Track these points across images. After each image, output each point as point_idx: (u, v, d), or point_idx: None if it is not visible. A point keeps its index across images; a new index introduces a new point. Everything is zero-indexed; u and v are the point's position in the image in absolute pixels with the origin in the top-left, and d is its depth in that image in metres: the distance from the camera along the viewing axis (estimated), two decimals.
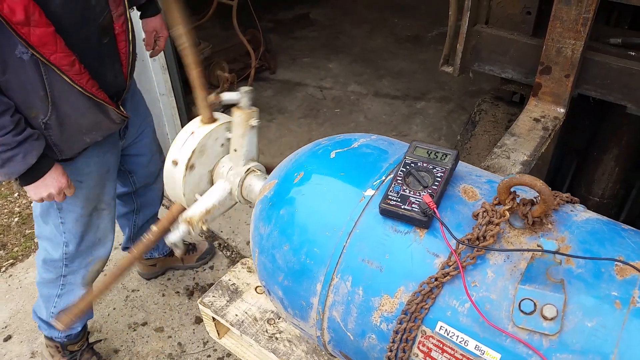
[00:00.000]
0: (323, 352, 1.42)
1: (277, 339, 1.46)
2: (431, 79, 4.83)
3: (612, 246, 0.97)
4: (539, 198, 0.97)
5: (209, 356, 2.53)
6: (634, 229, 1.04)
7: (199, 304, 1.57)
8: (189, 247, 2.90)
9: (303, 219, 1.15)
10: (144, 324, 2.69)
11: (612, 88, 1.81)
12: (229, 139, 1.55)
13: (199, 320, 2.68)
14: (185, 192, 1.48)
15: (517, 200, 0.99)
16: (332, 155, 1.23)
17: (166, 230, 1.50)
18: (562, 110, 1.91)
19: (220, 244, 3.11)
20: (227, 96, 1.53)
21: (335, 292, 1.10)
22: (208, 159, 1.52)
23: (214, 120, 1.52)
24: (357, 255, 1.08)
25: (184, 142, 1.46)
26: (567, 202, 1.08)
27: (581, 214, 1.05)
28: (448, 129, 4.20)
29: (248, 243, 3.07)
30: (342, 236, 1.09)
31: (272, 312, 1.53)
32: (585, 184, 2.55)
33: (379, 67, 5.08)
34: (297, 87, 4.74)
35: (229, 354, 2.53)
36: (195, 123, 1.53)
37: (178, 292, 2.84)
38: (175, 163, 1.45)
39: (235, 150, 1.53)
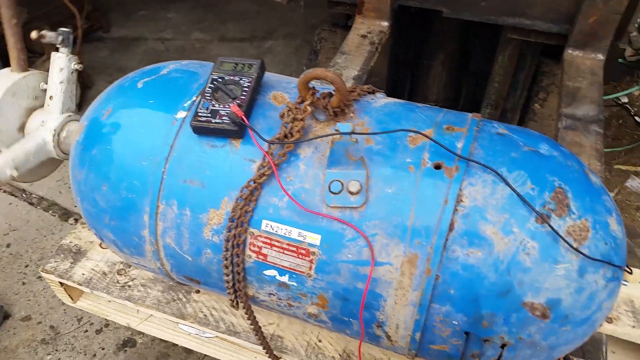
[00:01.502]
0: (179, 288, 1.43)
1: (130, 286, 1.44)
2: (275, 17, 4.79)
3: (406, 121, 1.06)
4: (335, 89, 1.03)
5: (86, 331, 2.42)
6: (428, 105, 1.15)
7: (41, 273, 1.48)
8: None
9: (117, 155, 1.11)
10: (6, 317, 2.47)
11: None
12: (44, 91, 1.44)
13: None
14: None
15: (318, 95, 1.05)
16: (140, 85, 1.18)
17: None
18: (386, 23, 2.02)
19: (77, 219, 2.91)
20: (48, 35, 1.39)
21: (163, 219, 1.09)
22: (18, 111, 1.39)
23: (26, 69, 1.40)
24: (178, 178, 1.07)
25: None
26: (369, 92, 1.16)
27: (380, 101, 1.13)
28: (298, 64, 4.24)
29: None
30: (160, 162, 1.08)
31: (122, 262, 1.49)
32: (421, 92, 2.77)
33: (221, 11, 4.90)
34: (136, 42, 4.43)
35: (107, 324, 2.44)
36: (4, 72, 1.39)
37: (40, 277, 2.63)
38: None
39: (50, 98, 1.42)
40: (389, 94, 1.19)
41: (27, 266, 2.70)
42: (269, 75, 1.18)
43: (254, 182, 1.01)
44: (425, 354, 1.08)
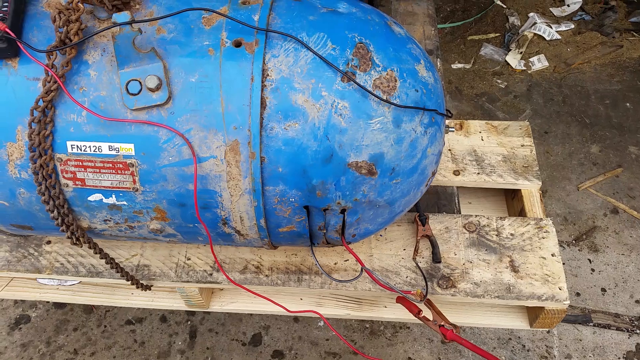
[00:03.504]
0: (28, 243, 1.31)
1: None
2: None
3: (199, 3, 0.98)
4: None
5: None
6: None
7: None
8: None
9: None
10: None
11: None
12: None
13: None
14: None
15: None
16: None
17: None
18: None
19: None
20: None
21: None
22: None
23: None
24: None
25: None
26: None
27: None
28: None
29: None
30: None
31: None
32: None
33: None
34: None
35: None
36: None
37: None
38: None
39: None
40: None
41: None
42: None
43: (43, 101, 0.90)
44: (278, 240, 1.08)
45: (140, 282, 1.22)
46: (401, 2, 1.60)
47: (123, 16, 0.86)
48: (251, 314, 2.02)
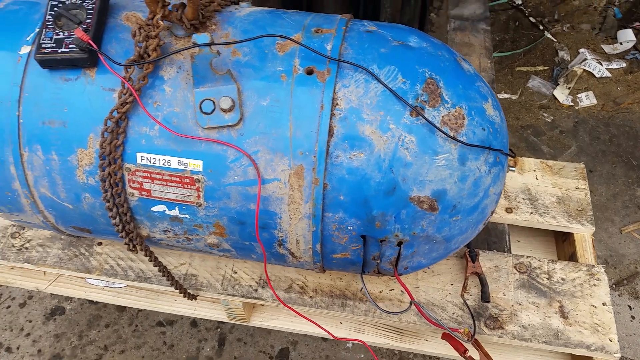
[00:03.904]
0: (80, 243, 1.35)
1: (27, 248, 1.34)
2: None
3: (273, 28, 1.00)
4: None
5: (9, 306, 2.30)
6: (297, 11, 1.09)
7: None
8: None
9: None
10: None
11: None
12: None
13: None
14: None
15: (169, 8, 0.96)
16: None
17: None
18: None
19: None
20: None
21: (31, 167, 1.00)
22: None
23: None
24: (36, 120, 0.97)
25: None
26: (233, 3, 1.08)
27: (245, 10, 1.06)
28: None
29: None
30: (12, 106, 0.97)
31: (14, 225, 1.39)
32: (318, 10, 2.65)
33: None
34: None
35: (30, 296, 2.33)
36: None
37: None
38: None
39: None
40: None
41: None
42: None
43: (118, 112, 0.93)
44: (330, 265, 1.09)
45: (188, 291, 1.24)
46: (458, 33, 1.60)
47: (203, 37, 0.89)
48: None
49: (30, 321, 2.26)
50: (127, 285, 1.36)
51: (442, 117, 0.92)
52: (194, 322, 2.12)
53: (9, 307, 2.31)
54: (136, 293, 1.41)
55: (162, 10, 0.93)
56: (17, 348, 2.18)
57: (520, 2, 3.23)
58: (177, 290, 1.21)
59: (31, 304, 2.31)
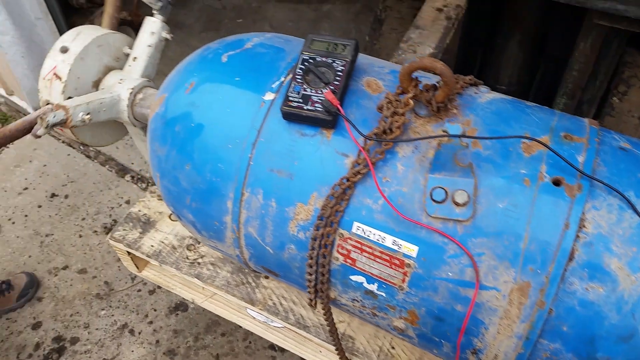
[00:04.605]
0: (248, 271, 1.38)
1: (199, 264, 1.40)
2: None
3: (517, 124, 0.95)
4: (441, 82, 0.92)
5: (139, 290, 2.46)
6: (538, 105, 1.03)
7: (109, 241, 1.46)
8: (3, 287, 2.38)
9: (201, 134, 1.05)
10: (65, 267, 2.54)
11: None
12: (127, 55, 1.43)
13: None
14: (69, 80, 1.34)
15: (420, 87, 0.94)
16: (224, 59, 1.11)
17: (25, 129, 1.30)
18: None
19: (133, 177, 2.93)
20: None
21: (247, 207, 1.03)
22: (98, 64, 1.39)
23: (115, 28, 1.44)
24: (264, 166, 1.00)
25: (79, 33, 1.36)
26: (471, 84, 1.05)
27: (485, 96, 1.02)
28: (357, 31, 4.06)
29: None
30: (247, 147, 1.01)
31: (191, 237, 1.46)
32: (492, 73, 2.58)
33: None
34: None
35: (159, 286, 2.47)
36: (94, 26, 1.43)
37: (96, 231, 2.68)
38: (64, 50, 1.33)
39: (134, 59, 1.41)
40: (458, 72, 1.05)
41: (83, 219, 2.75)
42: (359, 57, 1.08)
43: (348, 180, 0.93)
44: None
45: (346, 354, 1.22)
46: None
47: (455, 128, 0.86)
48: None
49: (155, 310, 2.39)
50: (284, 327, 1.37)
51: None
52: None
53: (139, 290, 2.47)
54: (285, 333, 1.41)
55: (414, 90, 0.92)
56: (139, 333, 2.32)
57: None
58: (337, 352, 1.19)
59: (159, 293, 2.45)
